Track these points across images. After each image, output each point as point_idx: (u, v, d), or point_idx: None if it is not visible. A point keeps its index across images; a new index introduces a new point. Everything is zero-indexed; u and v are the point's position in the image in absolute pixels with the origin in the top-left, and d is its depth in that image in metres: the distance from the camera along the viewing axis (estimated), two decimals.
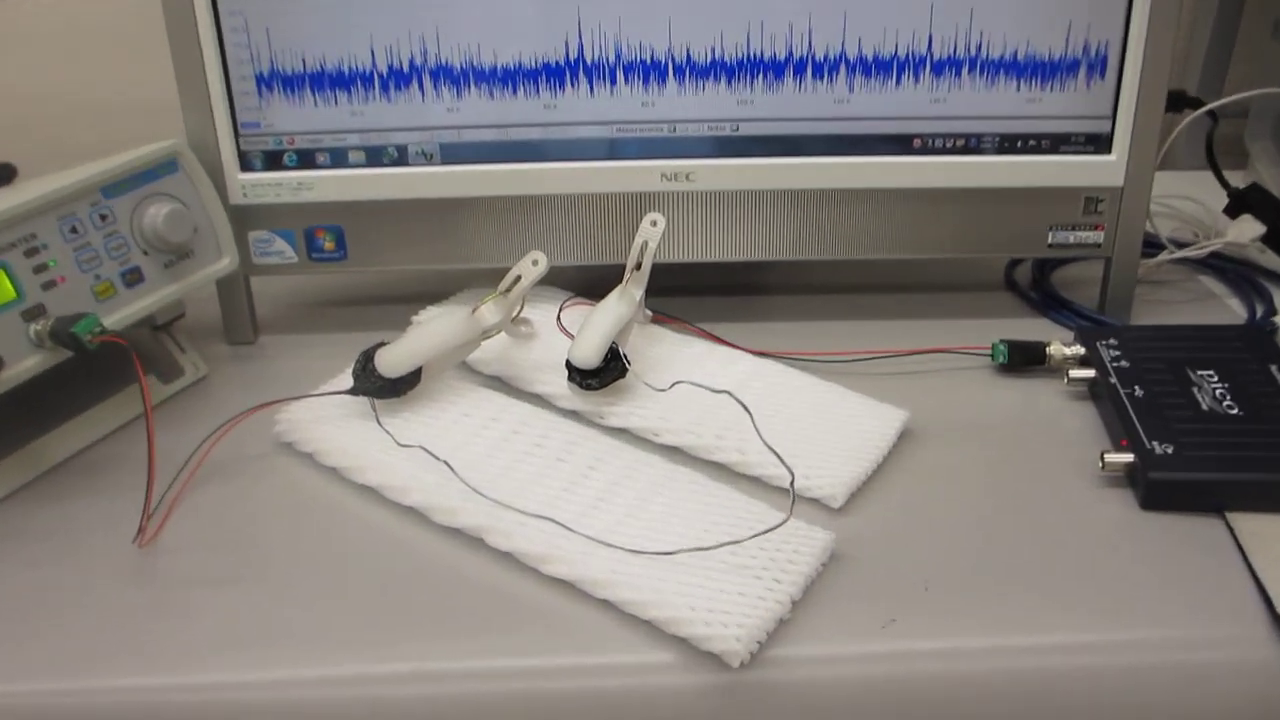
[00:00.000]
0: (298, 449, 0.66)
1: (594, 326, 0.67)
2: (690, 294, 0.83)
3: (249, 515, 0.61)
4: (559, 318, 0.73)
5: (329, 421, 0.66)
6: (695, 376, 0.69)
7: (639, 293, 0.70)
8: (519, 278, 0.68)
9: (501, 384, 0.72)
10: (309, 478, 0.64)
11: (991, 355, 0.72)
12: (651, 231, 0.70)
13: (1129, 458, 0.61)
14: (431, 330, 0.67)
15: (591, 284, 0.79)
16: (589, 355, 0.66)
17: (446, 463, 0.60)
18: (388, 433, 0.64)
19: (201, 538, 0.59)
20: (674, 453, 0.64)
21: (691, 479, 0.60)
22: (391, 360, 0.66)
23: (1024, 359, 0.71)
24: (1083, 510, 0.60)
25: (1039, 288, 0.82)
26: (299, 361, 0.76)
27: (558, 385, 0.69)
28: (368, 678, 0.51)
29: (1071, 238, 0.74)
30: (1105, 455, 0.61)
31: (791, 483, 0.55)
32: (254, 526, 0.60)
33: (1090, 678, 0.51)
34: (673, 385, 0.65)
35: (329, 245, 0.76)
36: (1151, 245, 0.80)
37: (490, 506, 0.58)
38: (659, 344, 0.74)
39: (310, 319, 0.82)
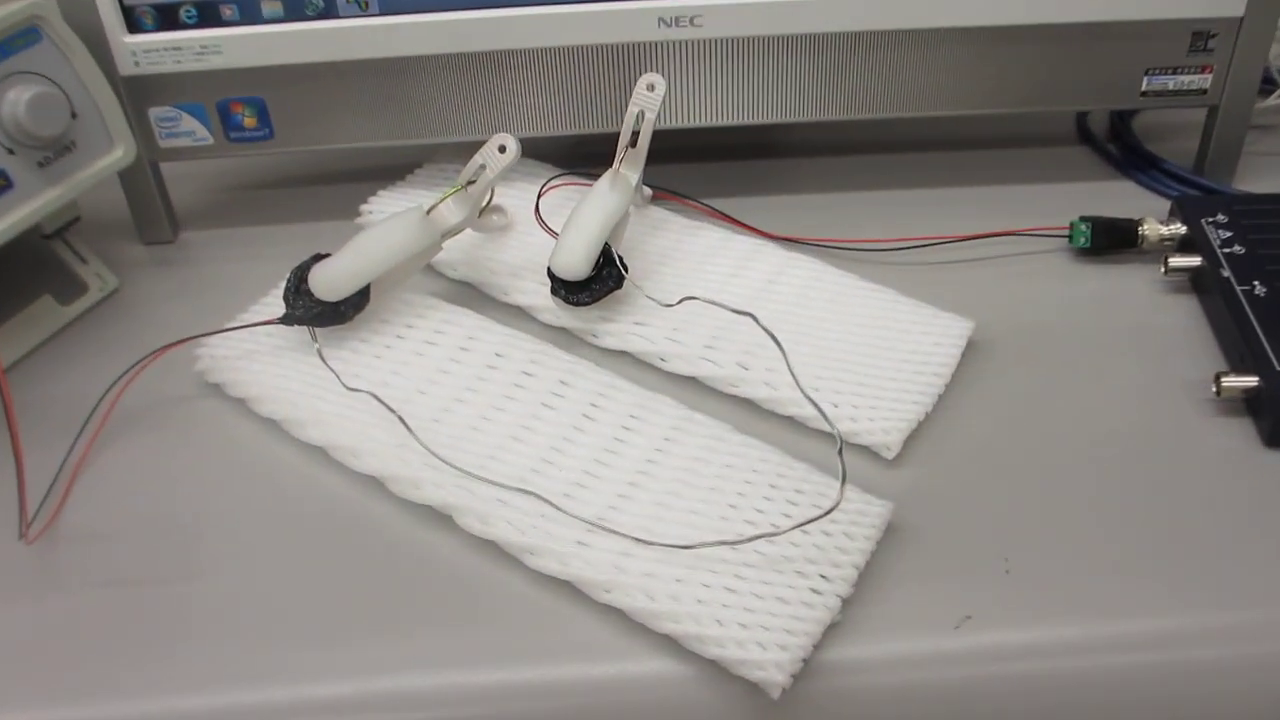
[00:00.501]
0: (226, 392, 0.54)
1: (580, 227, 0.54)
2: (698, 159, 0.69)
3: (169, 486, 0.49)
4: (537, 207, 0.59)
5: (261, 357, 0.54)
6: (709, 279, 0.56)
7: (635, 176, 0.57)
8: (482, 167, 0.54)
9: (472, 292, 0.59)
10: (242, 431, 0.52)
11: (1070, 237, 0.59)
12: (648, 99, 0.56)
13: (1251, 381, 0.49)
14: (377, 238, 0.54)
15: (577, 156, 0.65)
16: (575, 265, 0.53)
17: (401, 419, 0.48)
18: (332, 371, 0.52)
19: (108, 521, 0.48)
20: (686, 385, 0.52)
21: (712, 431, 0.48)
22: (329, 280, 0.53)
23: (1110, 241, 0.58)
24: (1194, 448, 0.48)
25: (1119, 140, 0.68)
26: (229, 264, 0.63)
27: (540, 295, 0.56)
28: (316, 703, 0.40)
29: (1171, 83, 0.60)
30: (1221, 379, 0.49)
31: (840, 450, 0.43)
32: (175, 501, 0.49)
33: (1215, 672, 0.41)
34: (681, 301, 0.53)
35: (250, 122, 0.61)
36: (1266, 82, 0.65)
37: (459, 479, 0.46)
38: (662, 233, 0.60)
39: (241, 208, 0.68)
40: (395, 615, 0.43)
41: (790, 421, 0.50)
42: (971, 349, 0.53)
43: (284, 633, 0.43)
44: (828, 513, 0.42)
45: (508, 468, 0.47)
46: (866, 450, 0.49)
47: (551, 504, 0.45)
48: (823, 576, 0.42)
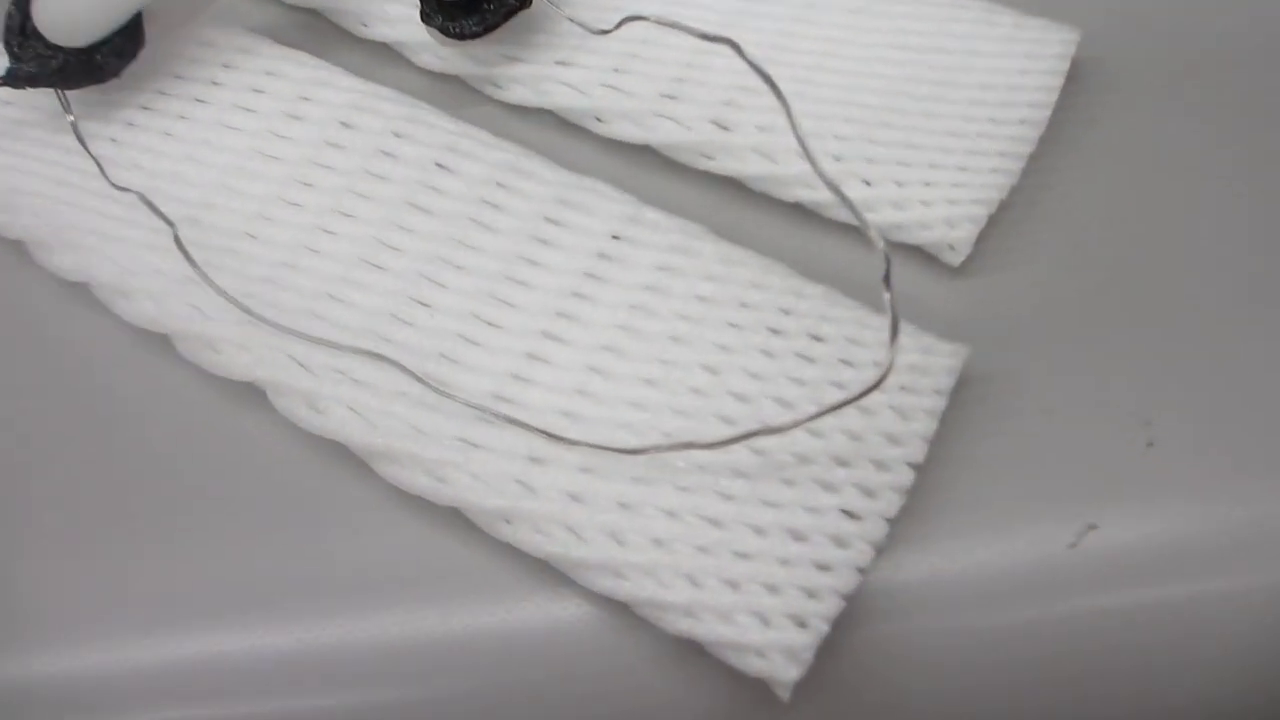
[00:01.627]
0: None
1: None
2: None
3: None
4: None
5: None
6: None
7: None
8: None
9: (313, 25, 0.39)
10: None
11: None
12: None
13: None
14: None
15: None
16: None
17: (177, 237, 0.30)
18: (94, 160, 0.33)
19: None
20: (635, 159, 0.34)
21: (673, 238, 0.30)
22: (65, 11, 0.33)
23: None
24: None
25: None
26: None
27: (413, 26, 0.37)
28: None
29: None
30: None
31: (886, 274, 0.25)
32: None
33: None
34: (621, 24, 0.33)
35: None
36: None
37: (276, 337, 0.29)
38: None
39: None
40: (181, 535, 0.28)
41: (795, 213, 0.32)
42: (1077, 77, 0.34)
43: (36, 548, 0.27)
44: (870, 390, 0.25)
45: (354, 314, 0.30)
46: (917, 253, 0.31)
47: (416, 376, 0.28)
48: (860, 488, 0.26)
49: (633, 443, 0.26)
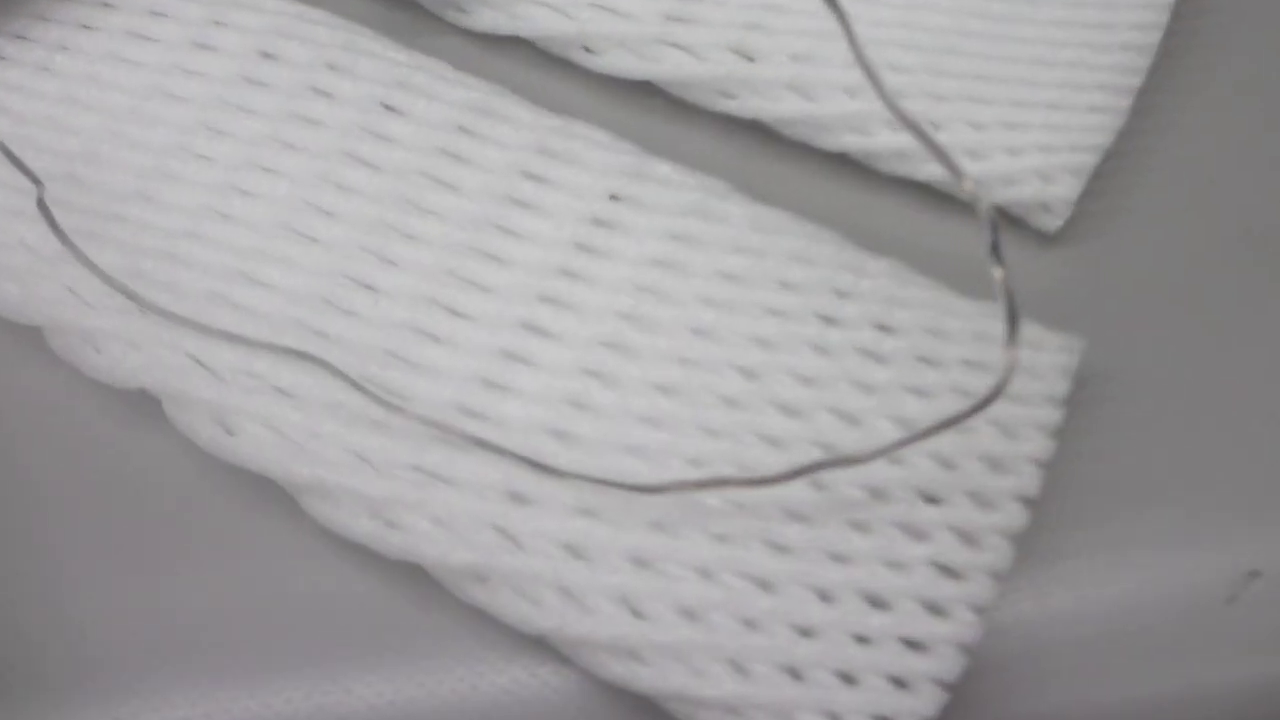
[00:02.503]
0: None
1: None
2: None
3: None
4: None
5: None
6: None
7: None
8: None
9: None
10: None
11: None
12: None
13: None
14: None
15: None
16: None
17: (42, 199, 0.23)
18: None
19: None
20: (635, 100, 0.27)
21: (687, 198, 0.23)
22: None
23: None
24: None
25: None
26: None
27: None
28: None
29: None
30: None
31: (994, 242, 0.18)
32: None
33: None
34: None
35: None
36: None
37: (172, 331, 0.22)
38: None
39: None
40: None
41: (841, 166, 0.26)
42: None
43: None
44: (990, 400, 0.18)
45: (275, 299, 0.23)
46: (1004, 215, 0.24)
47: (355, 382, 0.21)
48: (957, 533, 0.19)
49: (647, 475, 0.20)
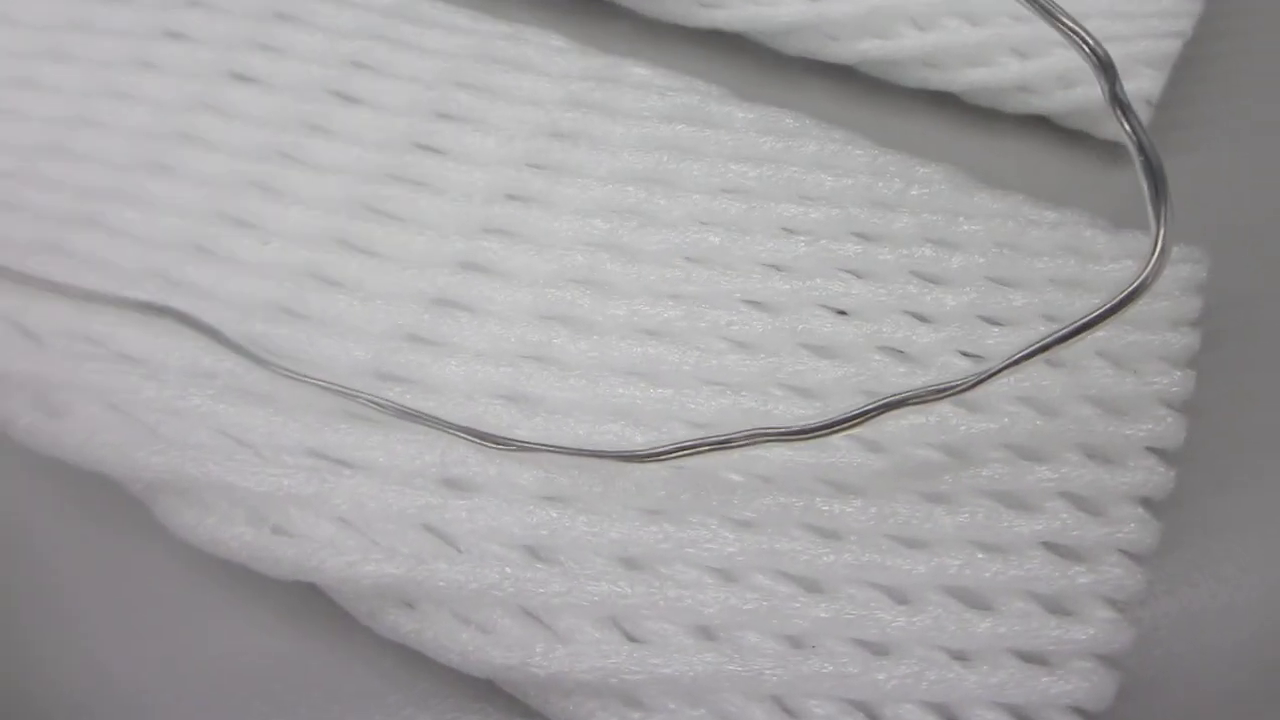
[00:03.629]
0: None
1: None
2: None
3: None
4: None
5: None
6: None
7: None
8: None
9: None
10: None
11: None
12: None
13: None
14: None
15: None
16: None
17: None
18: None
19: None
20: (611, 30, 0.22)
21: (699, 101, 0.18)
22: None
23: None
24: None
25: None
26: None
27: None
28: None
29: None
30: None
31: (1114, 93, 0.13)
32: None
33: None
34: None
35: None
36: None
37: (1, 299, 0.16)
38: None
39: None
40: None
41: (853, 81, 0.20)
42: None
43: None
44: (1128, 298, 0.12)
45: (127, 247, 0.17)
46: (1051, 129, 0.19)
47: (232, 342, 0.15)
48: (1075, 502, 0.14)
49: (639, 442, 0.14)
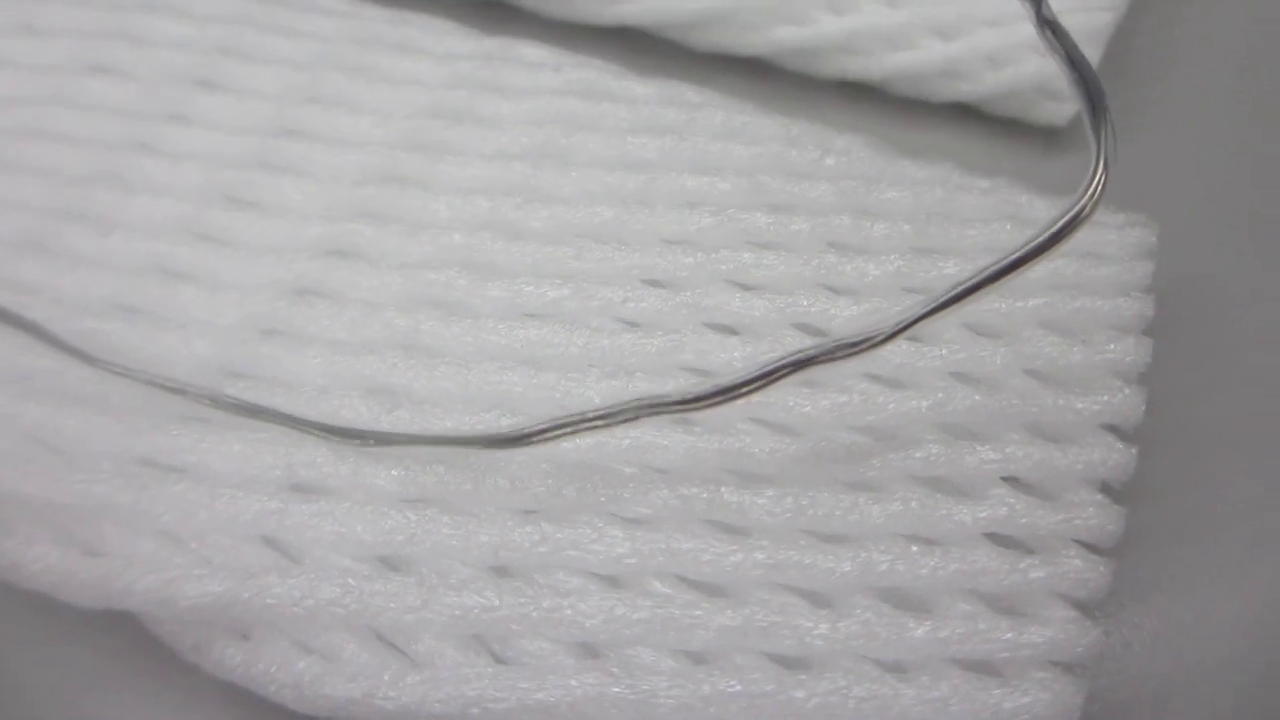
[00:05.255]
0: None
1: None
2: None
3: None
4: None
5: None
6: None
7: None
8: None
9: None
10: None
11: None
12: None
13: None
14: None
15: None
16: None
17: None
18: None
19: None
20: (498, 25, 0.20)
21: (596, 76, 0.16)
22: None
23: None
24: None
25: None
26: None
27: None
28: None
29: None
30: None
31: (1040, 11, 0.12)
32: None
33: None
34: None
35: None
36: None
37: None
38: None
39: None
40: None
41: (765, 72, 0.19)
42: None
43: None
44: (1060, 236, 0.10)
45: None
46: (982, 120, 0.18)
47: (50, 337, 0.13)
48: (1023, 488, 0.12)
49: (513, 421, 0.12)
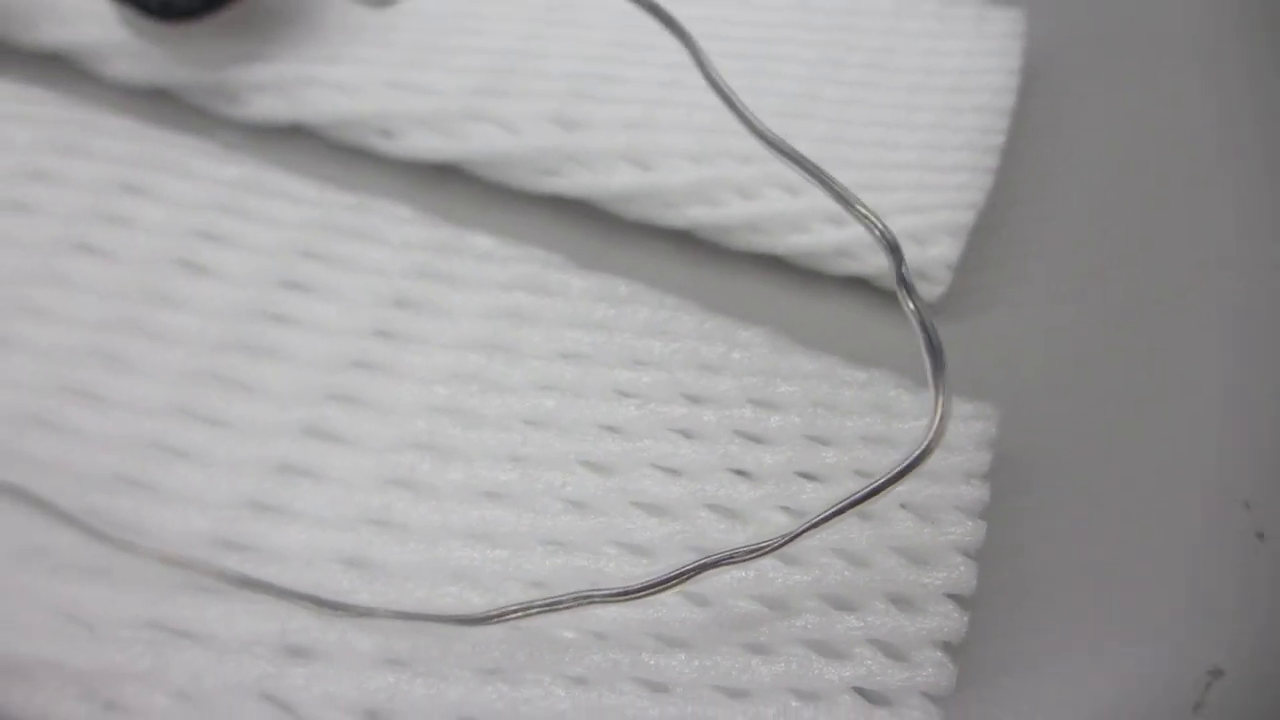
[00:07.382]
0: None
1: None
2: None
3: None
4: None
5: None
6: None
7: None
8: None
9: None
10: None
11: None
12: None
13: None
14: None
15: None
16: None
17: None
18: None
19: None
20: (448, 186, 0.23)
21: (539, 271, 0.19)
22: None
23: None
24: None
25: None
26: None
27: (98, 26, 0.25)
28: None
29: None
30: None
31: (901, 275, 0.15)
32: None
33: None
34: None
35: None
36: None
37: None
38: None
39: None
40: None
41: (688, 245, 0.22)
42: (1036, 71, 0.26)
43: None
44: (916, 461, 0.13)
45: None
46: (866, 289, 0.21)
47: (63, 514, 0.15)
48: (882, 648, 0.15)
49: (477, 605, 0.15)
